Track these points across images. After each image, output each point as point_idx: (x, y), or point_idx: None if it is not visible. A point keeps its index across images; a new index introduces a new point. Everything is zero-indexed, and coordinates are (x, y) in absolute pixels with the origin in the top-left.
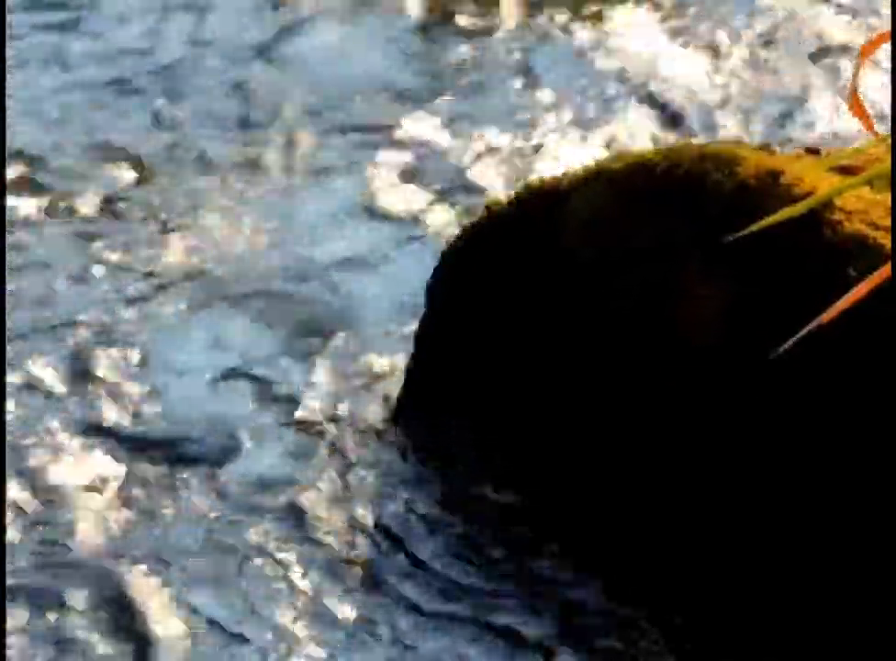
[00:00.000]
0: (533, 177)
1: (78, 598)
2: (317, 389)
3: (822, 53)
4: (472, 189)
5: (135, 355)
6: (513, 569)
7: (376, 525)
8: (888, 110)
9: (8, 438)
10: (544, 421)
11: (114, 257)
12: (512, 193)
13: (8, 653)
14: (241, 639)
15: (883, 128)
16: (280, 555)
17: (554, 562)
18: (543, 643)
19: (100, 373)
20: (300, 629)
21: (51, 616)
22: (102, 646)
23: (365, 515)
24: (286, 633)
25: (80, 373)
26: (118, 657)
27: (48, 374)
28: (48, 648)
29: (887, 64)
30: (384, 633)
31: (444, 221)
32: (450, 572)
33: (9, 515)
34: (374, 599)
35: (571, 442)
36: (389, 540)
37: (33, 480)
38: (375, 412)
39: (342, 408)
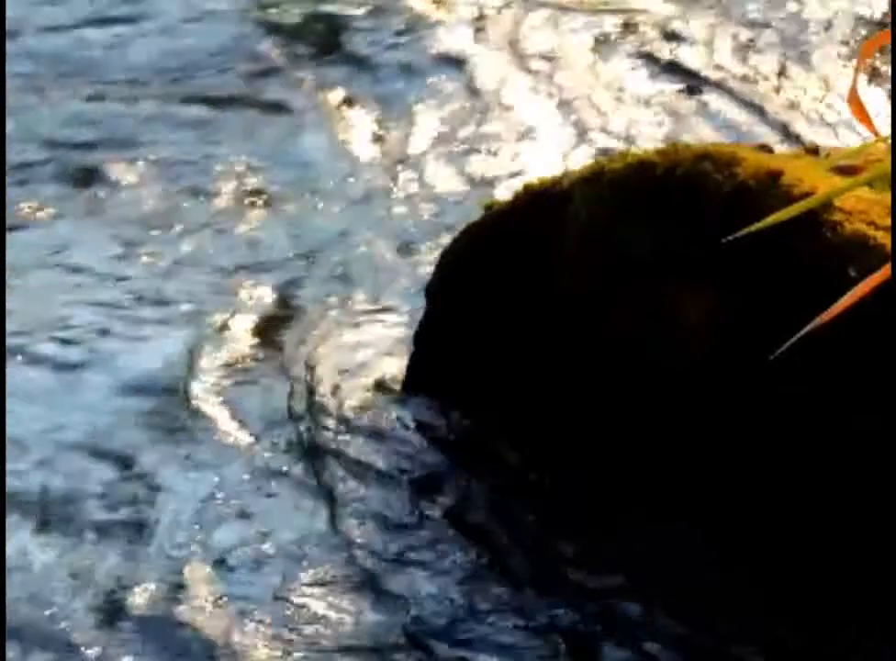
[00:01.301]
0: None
1: None
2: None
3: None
4: None
5: None
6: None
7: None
8: (888, 110)
9: None
10: (541, 412)
11: None
12: (512, 193)
13: None
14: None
15: (883, 129)
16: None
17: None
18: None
19: None
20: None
21: None
22: None
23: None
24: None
25: None
26: None
27: None
28: None
29: (887, 65)
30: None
31: None
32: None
33: None
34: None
35: (568, 427)
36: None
37: None
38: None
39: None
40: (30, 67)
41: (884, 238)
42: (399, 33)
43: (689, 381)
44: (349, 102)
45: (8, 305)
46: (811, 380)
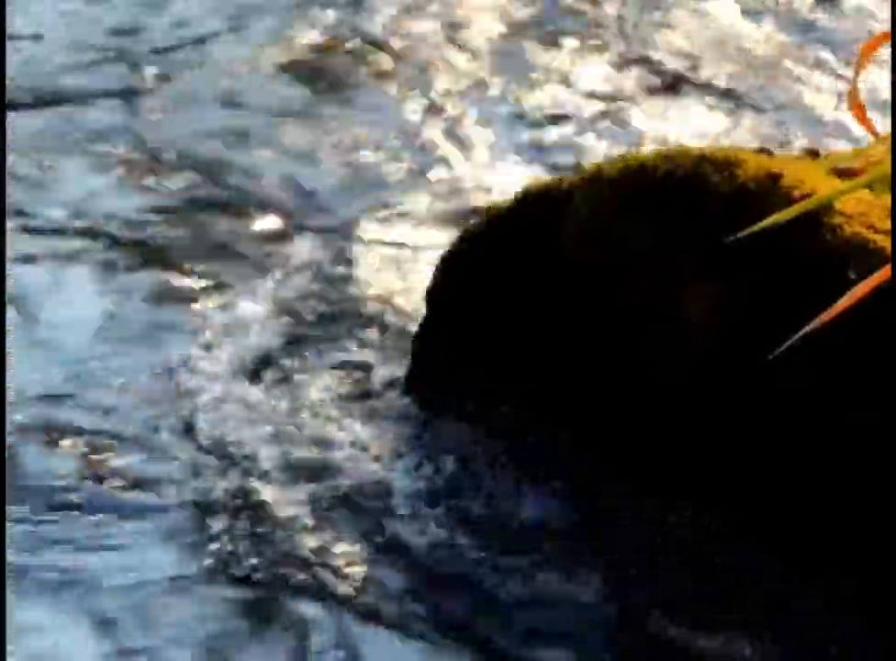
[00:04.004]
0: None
1: None
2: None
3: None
4: None
5: None
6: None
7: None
8: (888, 111)
9: None
10: (542, 411)
11: None
12: (512, 195)
13: None
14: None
15: (883, 129)
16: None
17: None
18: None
19: None
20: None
21: None
22: None
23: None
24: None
25: None
26: None
27: None
28: None
29: (887, 64)
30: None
31: None
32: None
33: None
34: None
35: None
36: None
37: None
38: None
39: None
40: None
41: (884, 241)
42: None
43: (689, 377)
44: None
45: None
46: (809, 379)
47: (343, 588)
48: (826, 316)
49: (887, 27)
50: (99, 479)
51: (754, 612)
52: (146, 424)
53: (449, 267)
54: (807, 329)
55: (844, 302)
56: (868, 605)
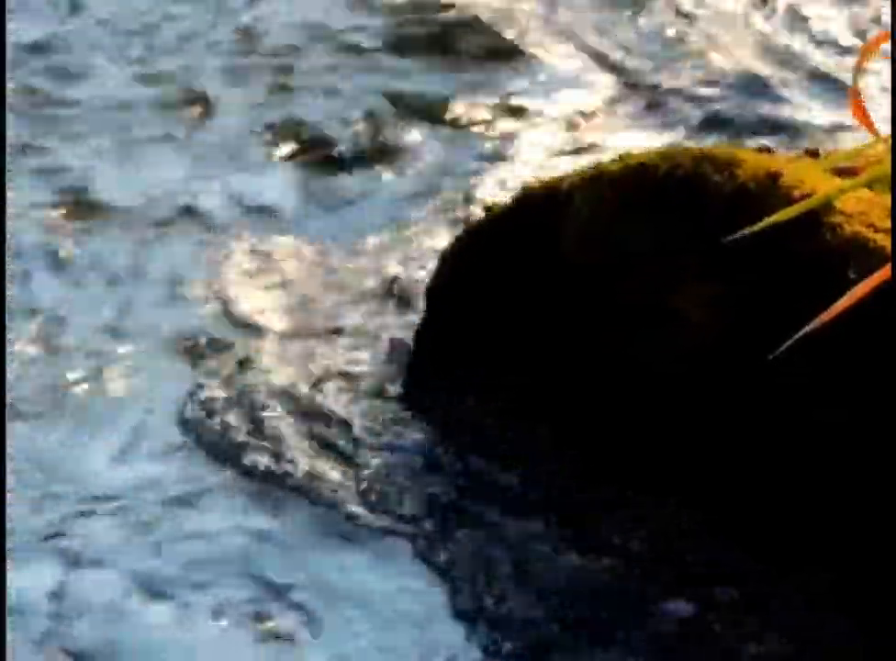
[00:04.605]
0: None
1: None
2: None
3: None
4: None
5: None
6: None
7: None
8: (888, 111)
9: None
10: (541, 410)
11: None
12: (512, 195)
13: None
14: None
15: (883, 129)
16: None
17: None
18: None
19: None
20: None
21: None
22: None
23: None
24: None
25: None
26: None
27: None
28: None
29: (887, 64)
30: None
31: None
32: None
33: None
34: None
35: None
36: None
37: None
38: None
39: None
40: None
41: (884, 240)
42: None
43: (689, 378)
44: None
45: None
46: (807, 379)
47: None
48: (826, 316)
49: (887, 27)
50: None
51: (733, 610)
52: None
53: (449, 265)
54: (807, 329)
55: (844, 302)
56: (846, 600)
